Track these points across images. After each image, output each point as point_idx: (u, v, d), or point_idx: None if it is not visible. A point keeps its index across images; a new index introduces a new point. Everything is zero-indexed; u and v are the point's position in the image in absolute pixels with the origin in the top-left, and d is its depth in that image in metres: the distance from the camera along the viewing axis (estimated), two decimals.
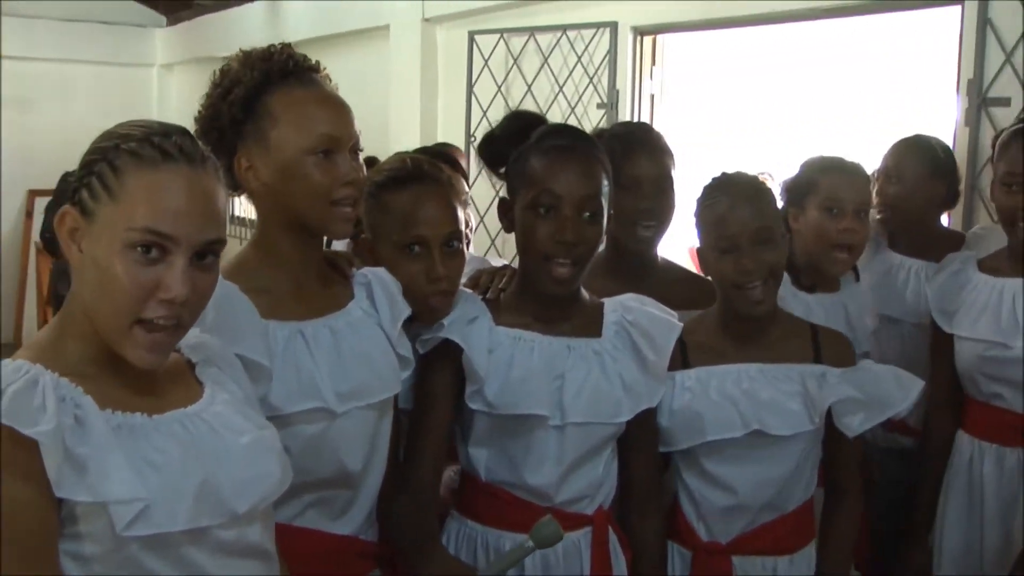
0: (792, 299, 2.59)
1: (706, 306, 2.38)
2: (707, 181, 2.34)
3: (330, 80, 1.96)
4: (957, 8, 3.69)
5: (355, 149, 1.91)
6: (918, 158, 3.07)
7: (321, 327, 1.91)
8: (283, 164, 1.85)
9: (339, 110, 1.90)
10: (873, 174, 3.11)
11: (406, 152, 2.33)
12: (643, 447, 2.22)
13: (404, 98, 6.49)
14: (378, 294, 2.01)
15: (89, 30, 9.81)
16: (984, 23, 3.52)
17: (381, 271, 2.06)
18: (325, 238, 2.03)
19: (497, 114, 5.77)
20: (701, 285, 2.62)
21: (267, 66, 1.87)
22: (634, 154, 2.47)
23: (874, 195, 3.06)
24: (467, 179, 4.60)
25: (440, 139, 6.22)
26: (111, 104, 9.46)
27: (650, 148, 2.55)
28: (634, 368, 2.14)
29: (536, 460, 2.09)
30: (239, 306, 1.76)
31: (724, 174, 2.32)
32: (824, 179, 2.67)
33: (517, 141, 2.15)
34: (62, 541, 1.34)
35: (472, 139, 5.86)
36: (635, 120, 5.06)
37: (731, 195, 2.23)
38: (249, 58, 1.90)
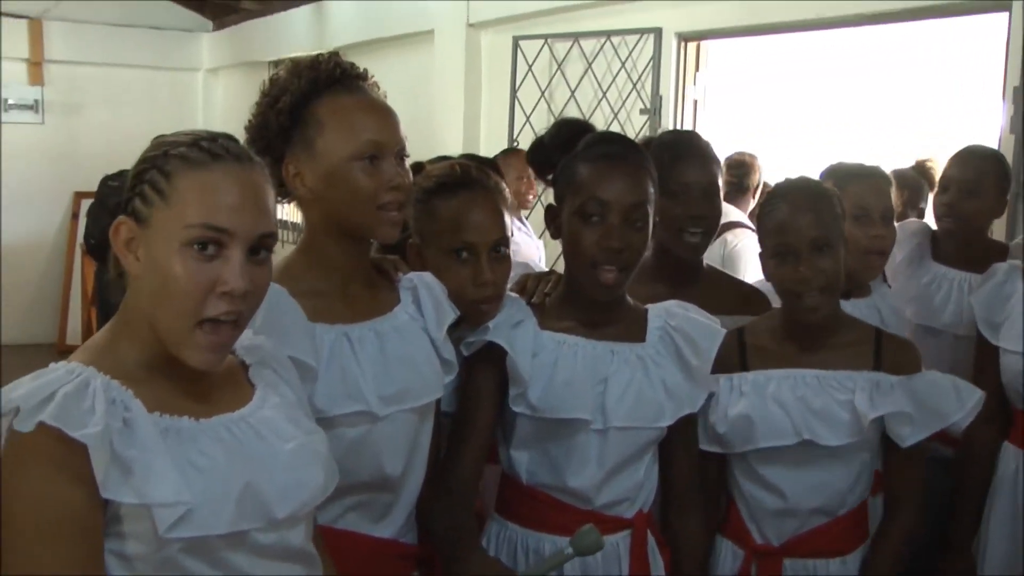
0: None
1: (752, 312, 2.39)
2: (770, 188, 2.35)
3: (378, 87, 1.98)
4: (1004, 15, 3.67)
5: (401, 155, 1.93)
6: (990, 166, 3.05)
7: (367, 331, 1.93)
8: (329, 170, 1.87)
9: (385, 116, 1.93)
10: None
11: (453, 157, 2.36)
12: (684, 451, 2.24)
13: (448, 103, 6.53)
14: (424, 298, 2.03)
15: (137, 35, 9.94)
16: None
17: (427, 275, 2.08)
18: (373, 242, 2.06)
19: (541, 119, 5.83)
20: (746, 291, 2.65)
21: (314, 74, 1.90)
22: (682, 161, 2.49)
23: (932, 203, 3.06)
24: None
25: (483, 143, 6.27)
26: (158, 108, 9.61)
27: (698, 156, 2.56)
28: (677, 373, 2.16)
29: (578, 463, 2.10)
30: (287, 308, 1.79)
31: (787, 180, 2.33)
32: (849, 187, 2.66)
33: (565, 148, 2.17)
34: (106, 540, 1.37)
35: (515, 143, 5.89)
36: (680, 127, 5.08)
37: (791, 202, 2.24)
38: (297, 67, 1.93)
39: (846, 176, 2.71)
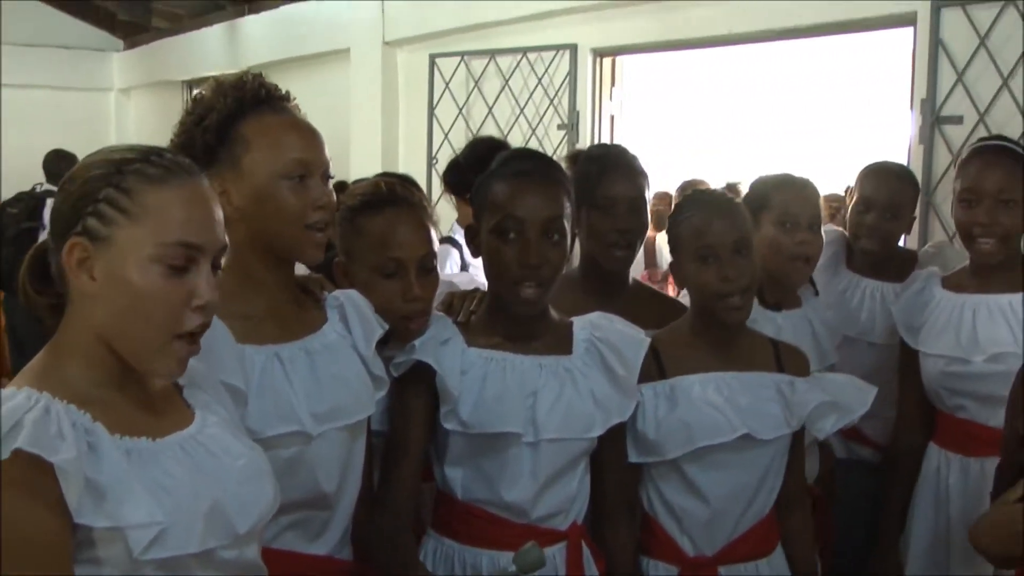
0: (762, 318, 2.65)
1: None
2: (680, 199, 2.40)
3: (299, 109, 1.99)
4: (910, 30, 3.80)
5: (326, 175, 1.94)
6: (907, 190, 3.13)
7: (297, 350, 1.93)
8: (256, 189, 1.87)
9: (311, 137, 1.94)
10: (847, 192, 3.18)
11: (378, 176, 2.37)
12: (614, 461, 2.26)
13: (365, 121, 6.54)
14: (351, 315, 2.04)
15: (45, 54, 9.82)
16: (936, 44, 3.63)
17: (353, 293, 2.09)
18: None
19: (459, 136, 5.86)
20: (668, 305, 2.69)
21: (239, 94, 1.90)
22: (610, 175, 2.52)
23: (849, 219, 3.14)
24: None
25: (402, 160, 6.29)
26: (69, 129, 9.46)
27: (625, 170, 2.59)
28: (605, 384, 2.18)
29: (512, 477, 2.12)
30: (216, 332, 1.78)
31: (697, 190, 2.38)
32: (777, 195, 2.72)
33: (480, 167, 2.19)
34: (78, 566, 1.35)
35: (434, 161, 5.92)
36: (598, 141, 5.14)
37: (707, 208, 2.30)
38: (221, 86, 1.93)
39: (774, 185, 2.77)
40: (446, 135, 5.86)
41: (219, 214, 1.49)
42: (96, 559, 1.36)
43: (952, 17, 3.60)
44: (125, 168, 1.43)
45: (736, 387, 2.28)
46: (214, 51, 8.45)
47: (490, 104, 5.68)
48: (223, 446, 1.53)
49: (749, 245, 2.28)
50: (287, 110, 1.95)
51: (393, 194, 2.19)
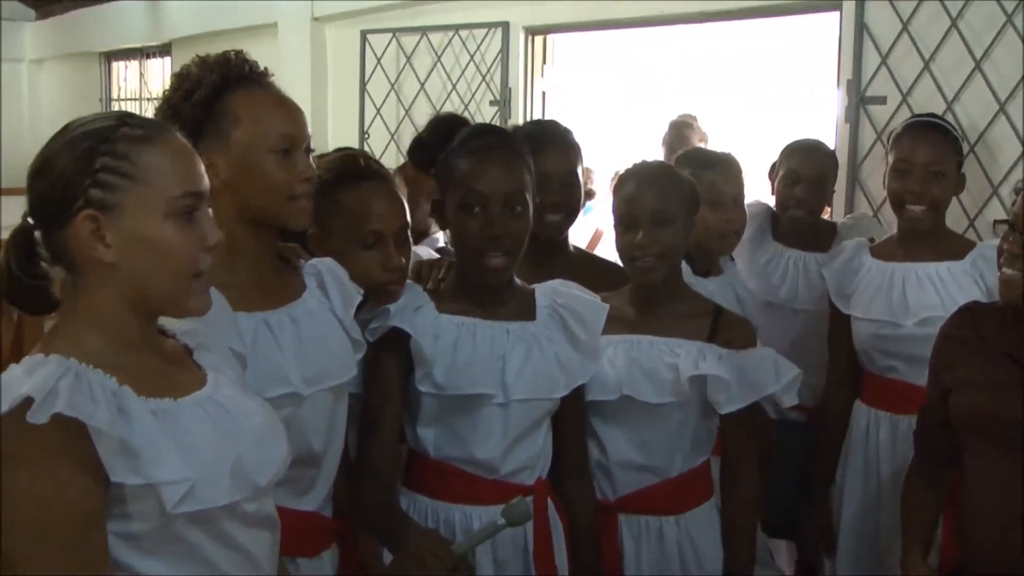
0: (696, 286, 2.79)
1: (613, 288, 2.55)
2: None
3: (276, 85, 2.07)
4: (836, 14, 3.96)
5: (308, 148, 2.03)
6: (830, 164, 3.36)
7: (283, 316, 2.03)
8: (244, 161, 1.95)
9: (295, 112, 2.04)
10: (771, 169, 3.37)
11: (349, 149, 2.46)
12: (574, 420, 2.39)
13: (294, 97, 6.44)
14: (329, 283, 2.13)
15: None
16: (861, 27, 3.79)
17: (329, 261, 2.17)
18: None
19: (390, 112, 5.91)
20: (608, 269, 2.80)
21: (225, 69, 1.98)
22: (542, 150, 2.60)
23: (776, 192, 3.32)
24: None
25: (331, 136, 6.31)
26: None
27: (557, 144, 2.70)
28: (568, 347, 2.30)
29: (483, 435, 2.23)
30: (213, 299, 1.86)
31: (640, 161, 2.51)
32: (704, 174, 2.86)
33: (443, 143, 2.29)
34: (110, 521, 1.43)
35: (366, 136, 5.97)
36: (530, 118, 5.25)
37: (638, 179, 2.43)
38: (206, 62, 2.00)
39: (700, 164, 2.91)
40: (378, 111, 5.91)
41: (200, 163, 1.58)
42: (126, 514, 1.44)
43: (876, 3, 3.76)
44: (112, 135, 1.49)
45: (646, 350, 2.40)
46: (135, 22, 8.34)
47: (422, 80, 5.74)
48: (238, 405, 1.62)
49: (671, 217, 2.38)
50: (271, 85, 2.03)
51: (368, 168, 2.28)
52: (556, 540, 2.32)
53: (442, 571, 1.97)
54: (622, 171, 2.54)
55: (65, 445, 1.36)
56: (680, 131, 4.79)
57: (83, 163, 1.48)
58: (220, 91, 1.97)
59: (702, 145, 4.36)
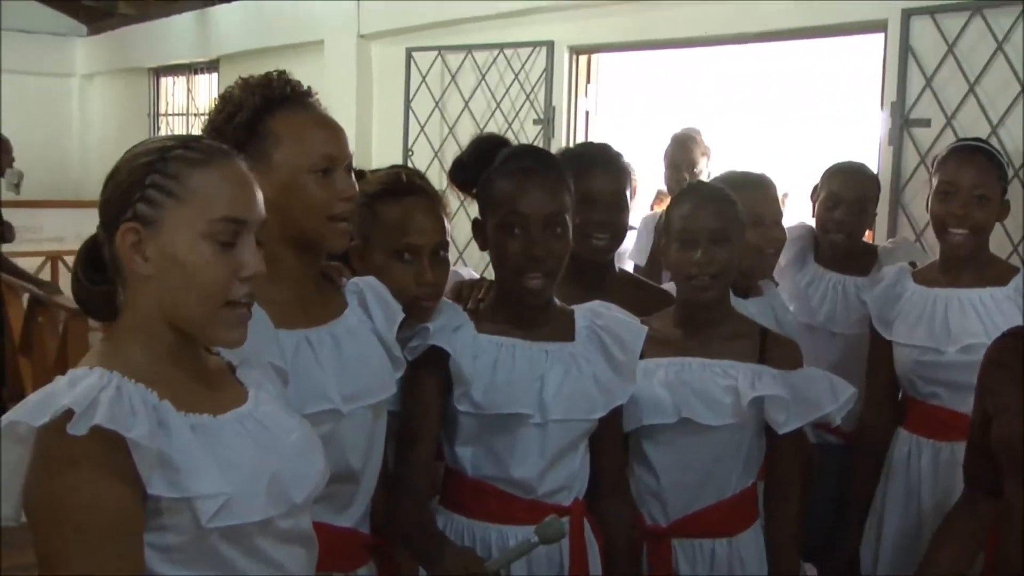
0: (736, 307, 2.80)
1: (656, 310, 2.56)
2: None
3: (320, 104, 2.10)
4: (880, 35, 3.95)
5: (349, 167, 2.05)
6: (871, 187, 3.36)
7: (324, 334, 2.05)
8: (285, 182, 1.98)
9: (336, 132, 2.06)
10: (813, 192, 3.37)
11: (400, 166, 2.50)
12: (612, 440, 2.39)
13: (339, 114, 6.42)
14: (371, 301, 2.15)
15: (9, 39, 9.68)
16: (906, 48, 3.78)
17: (372, 280, 2.20)
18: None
19: (434, 129, 5.96)
20: (651, 292, 2.82)
21: (268, 91, 2.01)
22: (591, 171, 2.64)
23: (816, 216, 3.31)
24: None
25: (375, 153, 6.36)
26: (30, 114, 9.41)
27: (606, 166, 2.72)
28: (606, 368, 2.31)
29: (521, 455, 2.24)
30: (257, 317, 1.89)
31: (697, 181, 2.53)
32: (741, 194, 2.86)
33: (484, 164, 2.31)
34: (146, 533, 1.45)
35: (410, 153, 6.01)
36: (573, 136, 5.28)
37: (696, 198, 2.46)
38: (249, 84, 2.03)
39: (736, 185, 2.91)
40: (422, 128, 5.96)
41: (258, 190, 1.59)
42: (162, 527, 1.46)
43: (921, 24, 3.75)
44: (167, 155, 1.53)
45: (697, 372, 2.42)
46: (183, 39, 8.47)
47: (466, 98, 5.78)
48: (277, 421, 1.64)
49: (728, 237, 2.42)
50: (312, 106, 2.05)
51: (412, 183, 2.31)
52: (592, 560, 2.32)
53: None
54: (683, 188, 2.57)
55: (104, 456, 1.39)
56: (684, 144, 4.77)
57: (137, 177, 1.53)
58: (262, 113, 2.00)
59: (705, 160, 4.37)
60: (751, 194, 2.89)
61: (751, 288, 2.99)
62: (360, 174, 2.35)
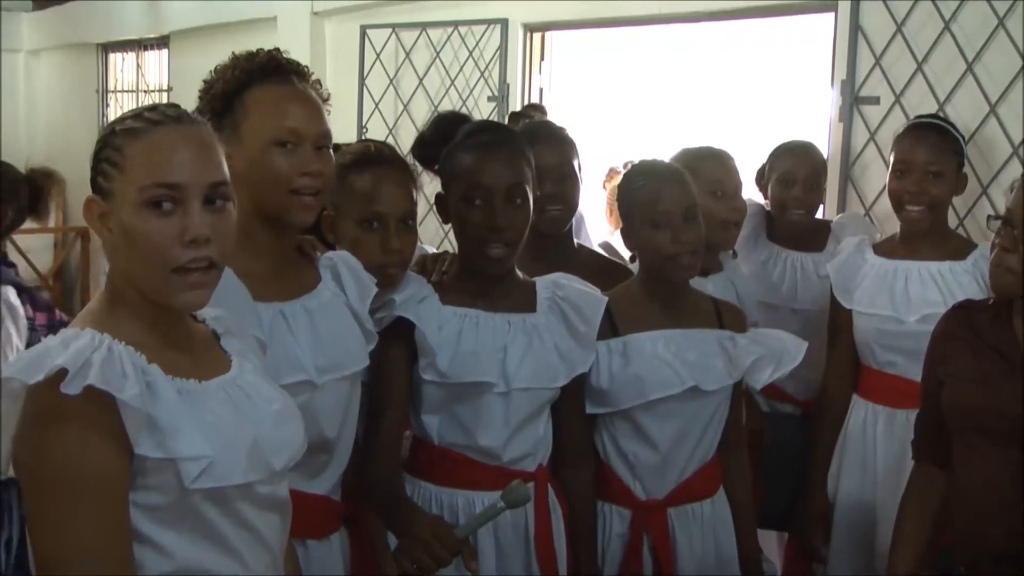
0: (696, 285, 2.86)
1: (615, 284, 2.62)
2: (626, 168, 2.60)
3: (320, 84, 2.12)
4: (831, 15, 4.03)
5: (320, 145, 2.06)
6: (821, 163, 3.48)
7: (298, 307, 2.09)
8: (251, 154, 2.01)
9: (306, 106, 2.07)
10: (761, 172, 3.45)
11: (370, 140, 2.55)
12: (573, 409, 2.46)
13: None
14: (345, 275, 2.19)
15: None
16: (856, 28, 3.85)
17: (345, 254, 2.24)
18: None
19: (388, 106, 5.96)
20: (610, 265, 2.89)
21: (248, 66, 2.04)
22: (538, 146, 2.68)
23: (771, 194, 3.39)
24: None
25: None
26: None
27: (552, 140, 2.79)
28: (567, 338, 2.38)
29: (485, 423, 2.30)
30: (236, 289, 1.92)
31: (644, 161, 2.58)
32: (703, 166, 2.94)
33: (445, 140, 2.37)
34: (131, 492, 1.49)
35: (364, 130, 6.00)
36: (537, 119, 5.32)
37: (658, 178, 2.50)
38: (236, 59, 2.07)
39: (697, 157, 2.99)
40: (376, 105, 5.96)
41: (210, 154, 1.58)
42: (147, 486, 1.50)
43: (871, 5, 3.83)
44: (117, 127, 1.57)
45: (683, 343, 2.48)
46: (133, 15, 8.35)
47: (421, 76, 5.79)
48: (259, 391, 1.68)
49: (697, 212, 2.48)
50: (291, 82, 2.07)
51: (381, 154, 2.38)
52: (555, 525, 2.39)
53: (445, 554, 2.03)
54: (619, 167, 2.61)
55: (94, 416, 1.43)
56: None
57: (96, 150, 1.59)
58: (241, 87, 2.04)
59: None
60: (711, 166, 2.97)
61: (712, 264, 3.05)
62: (335, 147, 2.39)
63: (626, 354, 2.47)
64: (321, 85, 2.12)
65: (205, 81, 2.07)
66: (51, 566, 1.45)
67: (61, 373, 1.41)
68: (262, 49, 2.07)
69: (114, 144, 1.55)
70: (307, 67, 2.12)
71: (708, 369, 2.47)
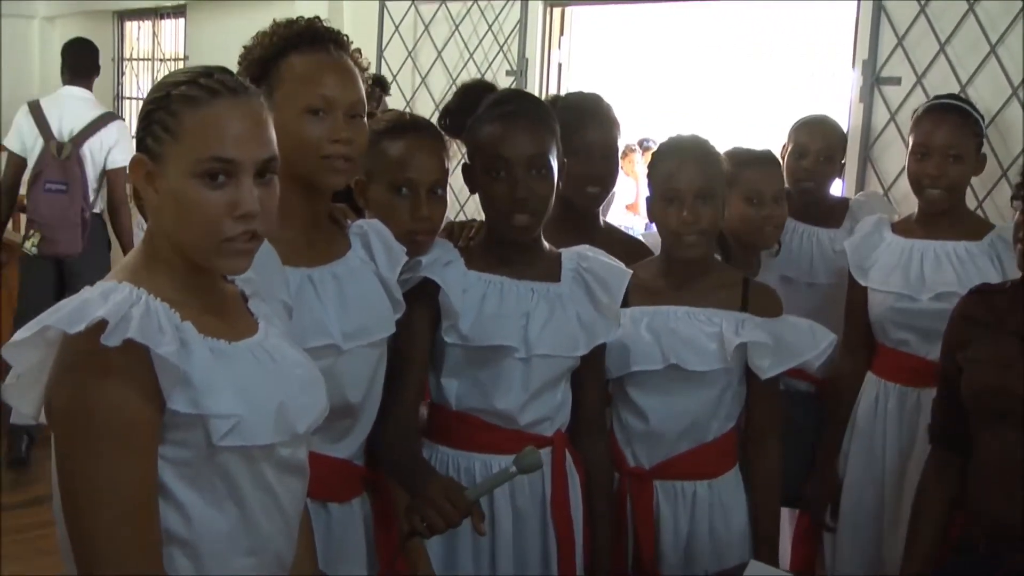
0: None
1: (637, 261, 2.63)
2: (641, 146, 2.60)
3: (360, 53, 2.13)
4: None
5: (354, 113, 2.07)
6: (837, 137, 3.49)
7: (326, 273, 2.10)
8: (284, 121, 2.00)
9: (339, 74, 2.06)
10: (782, 149, 3.46)
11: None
12: (593, 378, 2.48)
13: None
14: (375, 243, 2.21)
15: None
16: (879, 8, 3.85)
17: (376, 222, 2.26)
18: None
19: (406, 79, 5.96)
20: (635, 244, 2.91)
21: (287, 32, 2.05)
22: (585, 123, 2.70)
23: (787, 167, 3.40)
24: None
25: None
26: None
27: (599, 118, 2.80)
28: (590, 309, 2.39)
29: (504, 387, 2.32)
30: (265, 251, 1.93)
31: (677, 136, 2.58)
32: (744, 172, 2.97)
33: (471, 110, 2.38)
34: (161, 446, 1.52)
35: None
36: (545, 88, 5.31)
37: (680, 155, 2.51)
38: (275, 26, 2.08)
39: (740, 162, 3.00)
40: (394, 78, 5.95)
41: (264, 128, 1.61)
42: (176, 441, 1.52)
43: None
44: (172, 91, 1.57)
45: (682, 320, 2.50)
46: None
47: (439, 49, 5.79)
48: (284, 354, 1.70)
49: (713, 194, 2.48)
50: (327, 50, 2.06)
51: (415, 122, 2.41)
52: (572, 491, 2.41)
53: (455, 516, 2.04)
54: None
55: (130, 368, 1.45)
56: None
57: (147, 111, 1.59)
58: (277, 54, 2.05)
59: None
60: (753, 171, 2.99)
61: (750, 263, 3.05)
62: (370, 115, 2.40)
63: (624, 325, 2.49)
64: (361, 54, 2.13)
65: (245, 47, 2.08)
66: (80, 512, 1.48)
67: (100, 324, 1.42)
68: (302, 17, 2.08)
69: (169, 108, 1.56)
70: (347, 36, 2.12)
71: (696, 349, 2.47)
